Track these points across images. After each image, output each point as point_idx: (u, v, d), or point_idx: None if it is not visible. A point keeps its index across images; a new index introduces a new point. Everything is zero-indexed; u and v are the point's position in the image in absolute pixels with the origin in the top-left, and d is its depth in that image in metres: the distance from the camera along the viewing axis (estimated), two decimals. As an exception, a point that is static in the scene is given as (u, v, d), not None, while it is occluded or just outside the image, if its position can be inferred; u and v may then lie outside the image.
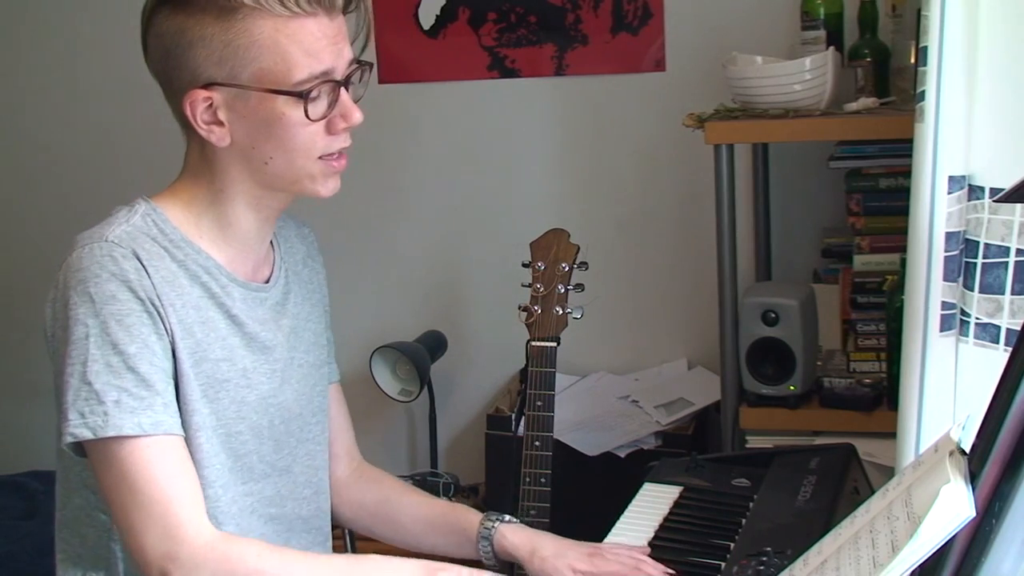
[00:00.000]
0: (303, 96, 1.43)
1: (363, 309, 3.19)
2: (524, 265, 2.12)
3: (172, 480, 1.41)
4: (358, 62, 1.50)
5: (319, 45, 1.43)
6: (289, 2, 1.41)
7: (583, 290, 2.13)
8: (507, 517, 1.68)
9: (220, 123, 1.45)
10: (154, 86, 1.51)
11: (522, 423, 2.10)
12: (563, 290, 2.10)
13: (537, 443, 2.06)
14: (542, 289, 2.10)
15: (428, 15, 3.07)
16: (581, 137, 3.04)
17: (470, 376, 3.19)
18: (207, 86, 1.44)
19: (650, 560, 1.59)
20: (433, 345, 3.04)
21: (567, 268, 2.10)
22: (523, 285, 2.13)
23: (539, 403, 2.07)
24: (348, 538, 2.60)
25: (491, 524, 1.66)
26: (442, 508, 1.77)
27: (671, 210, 2.99)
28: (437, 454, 3.11)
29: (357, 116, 1.48)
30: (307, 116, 1.44)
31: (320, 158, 1.48)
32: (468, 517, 1.70)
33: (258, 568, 1.40)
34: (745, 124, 2.43)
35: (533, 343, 2.10)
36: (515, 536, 1.64)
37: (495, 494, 2.83)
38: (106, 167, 3.35)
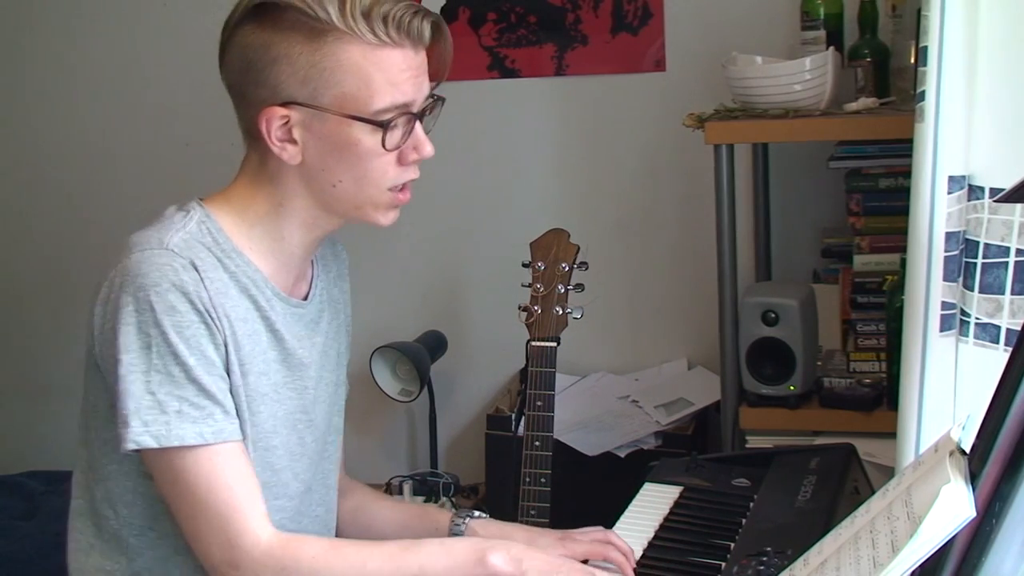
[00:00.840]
0: (383, 125, 1.45)
1: (363, 309, 3.17)
2: (524, 265, 2.12)
3: (233, 488, 1.43)
4: (433, 96, 1.52)
5: (403, 77, 1.45)
6: (380, 31, 1.42)
7: (583, 290, 2.13)
8: (476, 513, 1.71)
9: (293, 141, 1.46)
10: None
11: (522, 423, 2.10)
12: (563, 290, 2.09)
13: (537, 443, 2.06)
14: (542, 289, 2.10)
15: (428, 15, 3.07)
16: (581, 137, 3.04)
17: (470, 376, 3.19)
18: (286, 104, 1.44)
19: (618, 538, 1.61)
20: (433, 345, 3.04)
21: (567, 268, 2.10)
22: (523, 285, 2.13)
23: (539, 403, 2.07)
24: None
25: (461, 521, 1.69)
26: (414, 511, 1.82)
27: (671, 210, 2.99)
28: (437, 454, 3.11)
29: (429, 149, 1.51)
30: (384, 146, 1.46)
31: (388, 189, 1.50)
32: (439, 517, 1.73)
33: (313, 569, 1.43)
34: (745, 124, 2.43)
35: (533, 343, 2.09)
36: (485, 530, 1.68)
37: (495, 494, 2.83)
38: (111, 170, 3.34)
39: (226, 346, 1.46)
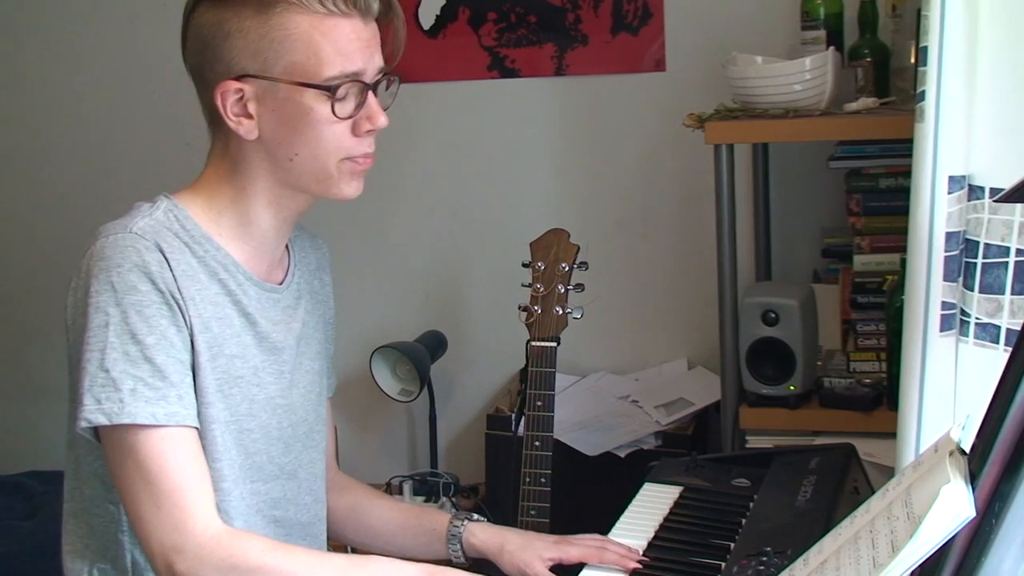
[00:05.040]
0: (331, 91, 1.46)
1: (363, 309, 3.18)
2: (524, 265, 2.12)
3: (183, 472, 1.43)
4: (386, 73, 1.53)
5: (352, 46, 1.47)
6: (327, 1, 1.45)
7: (583, 290, 2.13)
8: (475, 516, 1.73)
9: (249, 116, 1.48)
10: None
11: (522, 423, 2.10)
12: (563, 290, 2.10)
13: (537, 443, 2.06)
14: (542, 289, 2.10)
15: (428, 15, 3.07)
16: (581, 137, 3.04)
17: (470, 376, 3.19)
18: (240, 77, 1.47)
19: (614, 543, 1.63)
20: (433, 345, 3.04)
21: (567, 268, 2.10)
22: (523, 285, 2.13)
23: (539, 403, 2.07)
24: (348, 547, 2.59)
25: (459, 524, 1.71)
26: (412, 511, 1.82)
27: (671, 210, 2.99)
28: (437, 454, 3.11)
29: (382, 119, 1.52)
30: (334, 113, 1.47)
31: (346, 159, 1.51)
32: (437, 518, 1.74)
33: (261, 564, 1.41)
34: (745, 124, 2.43)
35: (533, 343, 2.10)
36: (483, 533, 1.69)
37: (495, 494, 2.83)
38: (108, 169, 3.34)
39: (192, 329, 1.46)
